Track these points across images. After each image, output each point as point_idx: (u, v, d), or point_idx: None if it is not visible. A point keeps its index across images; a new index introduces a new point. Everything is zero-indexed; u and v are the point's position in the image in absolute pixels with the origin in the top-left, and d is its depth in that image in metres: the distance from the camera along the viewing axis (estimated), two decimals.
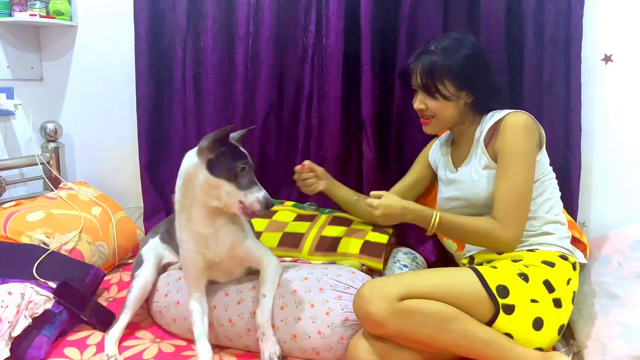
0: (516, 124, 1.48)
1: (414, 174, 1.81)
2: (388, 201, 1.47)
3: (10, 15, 2.20)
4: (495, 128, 1.52)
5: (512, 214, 1.45)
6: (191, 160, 1.41)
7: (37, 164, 2.24)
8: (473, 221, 1.50)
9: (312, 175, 1.73)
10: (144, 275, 1.67)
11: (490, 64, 1.60)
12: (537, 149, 1.51)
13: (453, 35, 1.57)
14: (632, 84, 1.76)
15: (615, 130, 1.80)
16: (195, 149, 1.41)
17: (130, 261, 2.03)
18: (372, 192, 1.50)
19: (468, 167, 1.59)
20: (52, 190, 2.20)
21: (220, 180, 1.35)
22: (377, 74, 1.91)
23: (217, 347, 1.55)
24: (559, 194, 1.59)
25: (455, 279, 1.40)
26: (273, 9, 1.97)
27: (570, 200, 1.75)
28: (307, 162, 1.72)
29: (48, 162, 2.30)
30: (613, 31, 1.75)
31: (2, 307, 1.40)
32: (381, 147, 1.95)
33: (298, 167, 1.72)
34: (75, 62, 2.39)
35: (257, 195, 1.34)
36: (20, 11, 2.20)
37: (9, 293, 1.44)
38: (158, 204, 2.24)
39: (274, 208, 1.93)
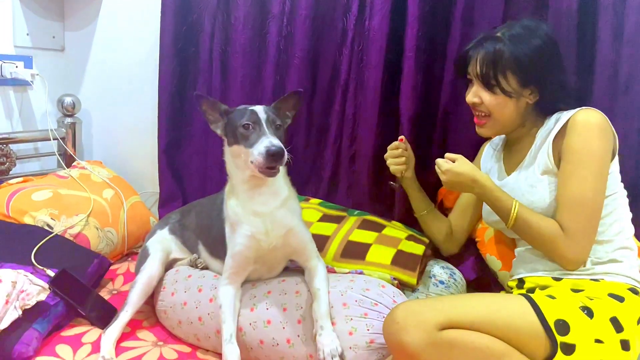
0: (588, 121, 1.27)
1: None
2: (460, 169, 1.34)
3: None
4: (564, 128, 1.30)
5: (580, 226, 1.25)
6: None
7: (51, 139, 2.11)
8: (539, 220, 1.29)
9: (406, 154, 1.55)
10: (149, 270, 1.52)
11: (562, 60, 1.37)
12: (610, 155, 1.29)
13: (524, 23, 1.35)
14: None
15: None
16: None
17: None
18: (447, 154, 1.37)
19: (523, 173, 1.39)
20: (64, 169, 2.07)
21: (232, 146, 1.31)
22: (422, 64, 1.70)
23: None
24: (630, 215, 1.36)
25: (506, 309, 1.20)
26: None
27: None
28: (404, 137, 1.55)
29: (63, 138, 2.17)
30: None
31: None
32: (422, 148, 1.74)
33: (396, 142, 1.55)
34: (99, 33, 2.25)
35: (259, 147, 1.22)
36: None
37: None
38: (175, 190, 2.08)
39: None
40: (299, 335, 1.30)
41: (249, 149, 1.25)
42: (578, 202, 1.26)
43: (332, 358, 1.24)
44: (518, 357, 1.14)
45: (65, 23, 2.30)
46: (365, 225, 1.67)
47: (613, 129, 1.29)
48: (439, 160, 1.38)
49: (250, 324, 1.34)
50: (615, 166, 1.32)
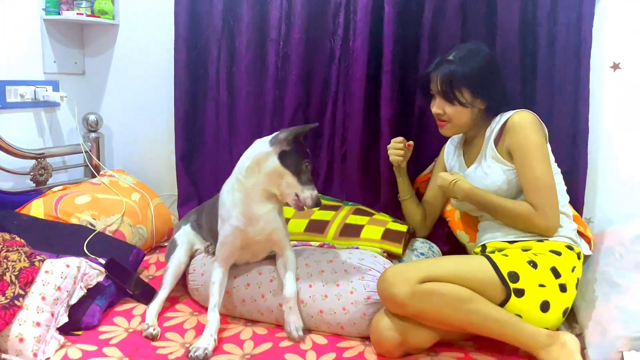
0: (524, 120, 1.63)
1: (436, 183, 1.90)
2: (460, 186, 1.69)
3: (59, 14, 2.37)
4: (503, 127, 1.66)
5: (545, 201, 1.59)
6: (263, 147, 1.57)
7: (82, 152, 2.42)
8: (512, 205, 1.63)
9: (406, 153, 1.89)
10: (178, 257, 1.83)
11: (501, 73, 1.75)
12: (546, 142, 1.65)
13: (469, 46, 1.72)
14: (637, 89, 1.89)
15: (621, 134, 1.93)
16: (268, 137, 1.57)
17: (166, 244, 2.19)
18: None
19: (479, 164, 1.74)
20: (94, 177, 2.38)
21: (287, 171, 1.53)
22: (398, 77, 2.04)
23: (250, 322, 1.71)
24: (565, 187, 1.73)
25: (471, 265, 1.55)
26: (303, 14, 2.12)
27: (576, 197, 1.88)
28: (411, 143, 1.89)
29: (89, 151, 2.48)
30: (621, 41, 1.89)
31: (61, 277, 1.57)
32: None
33: (400, 137, 1.88)
34: (116, 58, 2.57)
35: (312, 192, 1.54)
36: (68, 10, 2.37)
37: (67, 266, 1.60)
38: (191, 192, 2.40)
39: None
40: (352, 303, 1.60)
41: (300, 185, 1.53)
42: (537, 184, 1.60)
43: (296, 331, 1.58)
44: (481, 299, 1.47)
45: (85, 50, 2.61)
46: (358, 212, 2.01)
47: (542, 122, 1.65)
48: (442, 174, 1.74)
49: (310, 296, 1.65)
50: (549, 150, 1.68)
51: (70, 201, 2.03)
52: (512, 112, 1.67)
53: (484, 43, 1.77)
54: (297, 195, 1.55)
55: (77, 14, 2.36)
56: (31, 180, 2.26)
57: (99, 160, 2.51)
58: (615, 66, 1.91)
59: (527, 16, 1.90)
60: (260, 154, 1.56)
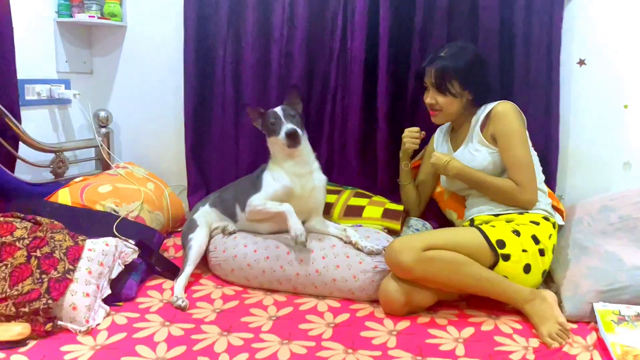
0: (506, 110, 1.88)
1: (428, 167, 2.15)
2: (453, 164, 1.93)
3: (71, 17, 2.52)
4: (488, 116, 1.91)
5: (526, 178, 1.84)
6: None
7: (92, 147, 2.58)
8: (498, 182, 1.88)
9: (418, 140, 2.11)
10: (200, 236, 2.04)
11: (488, 68, 2.00)
12: (525, 128, 1.91)
13: (459, 44, 1.96)
14: (600, 83, 2.18)
15: (587, 121, 2.22)
16: None
17: (180, 229, 2.37)
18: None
19: (466, 147, 1.98)
20: (106, 169, 2.54)
21: (270, 137, 1.98)
22: (393, 73, 2.28)
23: (269, 291, 1.92)
24: (541, 168, 1.99)
25: (465, 235, 1.80)
26: (305, 17, 2.32)
27: (550, 177, 2.15)
28: (424, 132, 2.11)
29: (100, 145, 2.63)
30: (586, 39, 2.17)
31: (103, 254, 1.75)
32: (394, 135, 2.33)
33: (416, 127, 2.11)
34: (123, 57, 2.73)
35: (281, 132, 1.90)
36: (79, 12, 2.53)
37: (107, 244, 1.79)
38: (200, 182, 2.59)
39: None
40: (361, 272, 1.83)
41: (277, 137, 1.91)
42: (519, 164, 1.86)
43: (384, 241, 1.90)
44: (474, 263, 1.71)
45: (93, 50, 2.76)
46: (358, 195, 2.24)
47: (521, 111, 1.91)
48: (437, 154, 1.97)
49: (323, 266, 1.86)
50: (527, 135, 1.94)
51: (94, 190, 2.20)
52: (495, 102, 1.92)
53: (472, 42, 2.02)
54: (281, 143, 1.90)
55: (89, 16, 2.52)
56: (51, 172, 2.42)
57: (109, 154, 2.66)
58: (581, 62, 2.19)
59: (504, 18, 2.15)
60: (268, 143, 2.04)
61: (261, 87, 2.45)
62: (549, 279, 1.90)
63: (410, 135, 2.11)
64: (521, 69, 2.16)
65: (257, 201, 1.95)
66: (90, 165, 2.70)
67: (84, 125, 2.71)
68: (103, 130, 2.67)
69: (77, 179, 2.30)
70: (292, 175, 1.96)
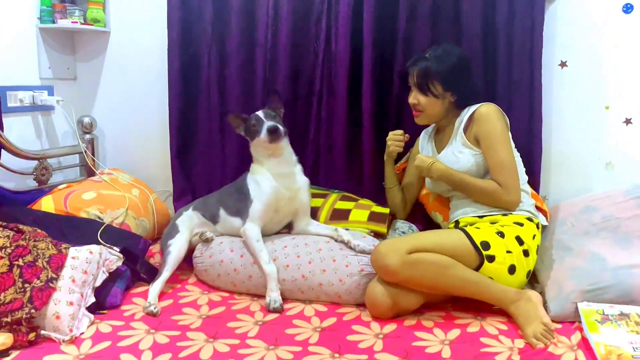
0: (489, 112, 1.90)
1: (413, 170, 2.15)
2: (436, 166, 1.94)
3: (54, 22, 2.50)
4: (471, 117, 1.92)
5: (509, 180, 1.86)
6: None
7: (81, 152, 2.57)
8: (481, 183, 1.89)
9: (402, 143, 2.12)
10: (179, 242, 2.02)
11: (471, 72, 2.02)
12: (508, 130, 1.92)
13: (444, 47, 1.98)
14: (582, 84, 2.21)
15: (569, 122, 2.24)
16: None
17: None
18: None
19: (450, 149, 1.99)
20: (91, 176, 2.52)
21: (253, 141, 1.99)
22: (377, 75, 2.29)
23: (256, 296, 1.91)
24: (524, 169, 2.01)
25: (450, 237, 1.80)
26: (289, 20, 2.33)
27: (533, 178, 2.17)
28: (408, 135, 2.13)
29: (86, 151, 2.61)
30: (567, 42, 2.20)
31: (87, 262, 1.73)
32: (380, 137, 2.34)
33: (400, 130, 2.13)
34: (108, 63, 2.71)
35: (263, 130, 1.93)
36: (62, 18, 2.50)
37: (91, 252, 1.77)
38: (186, 187, 2.58)
39: None
40: (347, 275, 1.83)
41: (259, 137, 1.94)
42: (502, 165, 1.87)
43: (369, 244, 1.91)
44: (459, 265, 1.72)
45: (76, 56, 2.74)
46: (345, 199, 2.25)
47: (504, 112, 1.92)
48: (421, 156, 1.98)
49: (309, 271, 1.85)
50: (510, 137, 1.95)
51: (78, 197, 2.18)
52: (478, 104, 1.93)
53: (458, 46, 2.03)
54: (263, 140, 1.94)
55: (72, 22, 2.50)
56: (34, 179, 2.39)
57: (94, 160, 2.64)
58: (563, 64, 2.21)
59: (488, 22, 2.17)
60: (250, 147, 2.06)
61: (246, 91, 2.45)
62: (533, 280, 1.92)
63: (394, 139, 2.12)
64: (504, 72, 2.18)
65: (252, 232, 1.92)
66: (75, 172, 2.68)
67: (68, 132, 2.68)
68: (87, 136, 2.65)
69: (60, 186, 2.28)
70: (276, 175, 1.98)
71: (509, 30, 2.15)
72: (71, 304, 1.62)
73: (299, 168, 2.06)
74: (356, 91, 2.32)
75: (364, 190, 2.37)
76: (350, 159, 2.39)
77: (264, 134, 1.92)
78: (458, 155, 1.95)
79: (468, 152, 1.93)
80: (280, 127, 1.93)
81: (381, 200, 2.29)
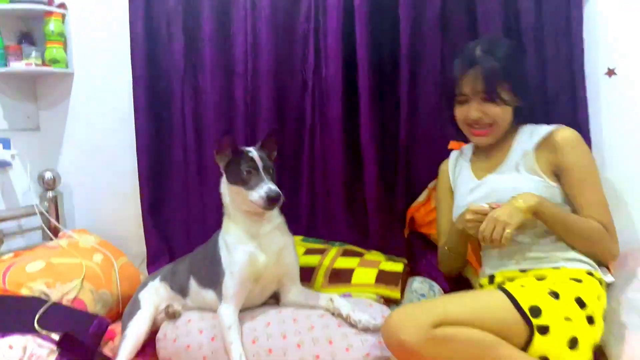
0: (576, 139, 1.49)
1: (450, 213, 1.65)
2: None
3: (6, 66, 2.19)
4: (546, 141, 1.49)
5: (611, 223, 1.45)
6: (221, 180, 1.59)
7: (36, 214, 2.20)
8: (584, 222, 1.45)
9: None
10: (139, 323, 1.63)
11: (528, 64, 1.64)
12: None
13: (491, 39, 1.59)
14: (636, 95, 1.75)
15: (626, 142, 1.77)
16: None
17: None
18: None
19: (504, 176, 1.53)
20: (52, 240, 2.14)
21: (232, 185, 1.52)
22: (377, 102, 1.89)
23: None
24: None
25: (488, 303, 1.34)
26: (270, 45, 1.97)
27: None
28: (499, 203, 1.47)
29: (47, 211, 2.25)
30: (615, 46, 1.75)
31: None
32: (385, 175, 1.91)
33: (484, 208, 1.45)
34: (72, 109, 2.38)
35: (260, 192, 1.45)
36: (16, 61, 2.20)
37: (10, 347, 1.37)
38: (162, 247, 2.18)
39: None
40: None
41: (248, 191, 1.47)
42: (602, 204, 1.47)
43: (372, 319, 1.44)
44: (504, 346, 1.26)
45: (38, 103, 2.42)
46: (347, 254, 1.81)
47: None
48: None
49: (299, 358, 1.42)
50: None
51: (21, 270, 1.79)
52: (550, 126, 1.51)
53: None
54: (251, 201, 1.47)
55: (26, 64, 2.19)
56: None
57: (57, 221, 2.28)
58: (611, 72, 1.77)
59: (510, 25, 1.76)
60: (221, 185, 1.59)
61: (226, 129, 2.06)
62: (600, 356, 1.41)
63: (477, 219, 1.45)
64: (537, 82, 1.74)
65: (225, 319, 1.48)
66: (37, 236, 2.31)
67: (34, 189, 2.33)
68: (50, 193, 2.30)
69: (5, 256, 1.91)
70: (252, 236, 1.54)
71: (537, 33, 1.73)
72: None
73: (281, 222, 1.61)
74: (354, 123, 1.91)
75: (371, 240, 1.93)
76: (351, 204, 1.97)
77: (260, 197, 1.45)
78: (521, 183, 1.47)
79: (538, 182, 1.47)
80: (281, 194, 1.47)
81: (392, 249, 1.85)
